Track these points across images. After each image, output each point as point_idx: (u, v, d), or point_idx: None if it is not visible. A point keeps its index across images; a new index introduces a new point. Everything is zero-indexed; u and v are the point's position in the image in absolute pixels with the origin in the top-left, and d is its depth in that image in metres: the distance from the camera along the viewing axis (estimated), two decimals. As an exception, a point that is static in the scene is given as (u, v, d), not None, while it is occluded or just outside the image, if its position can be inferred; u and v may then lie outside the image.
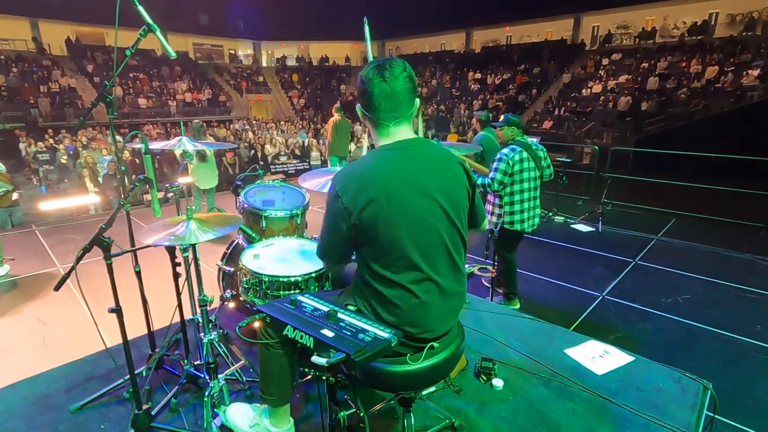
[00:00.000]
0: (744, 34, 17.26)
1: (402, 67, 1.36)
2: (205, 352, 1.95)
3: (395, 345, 1.22)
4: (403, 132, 1.42)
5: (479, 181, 3.30)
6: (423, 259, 1.36)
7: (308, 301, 1.41)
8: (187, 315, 2.34)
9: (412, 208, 1.33)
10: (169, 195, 2.25)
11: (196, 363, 2.18)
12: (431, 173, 1.38)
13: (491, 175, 3.28)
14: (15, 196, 5.81)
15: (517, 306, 3.70)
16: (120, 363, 1.97)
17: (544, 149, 3.47)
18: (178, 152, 5.31)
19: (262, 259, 2.19)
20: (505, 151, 3.29)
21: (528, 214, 3.38)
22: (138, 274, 2.21)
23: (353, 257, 1.52)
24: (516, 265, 3.66)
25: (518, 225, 3.37)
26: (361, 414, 1.61)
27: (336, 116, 7.57)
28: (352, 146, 13.41)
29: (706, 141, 10.99)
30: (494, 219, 3.46)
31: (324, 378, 1.28)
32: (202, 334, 2.01)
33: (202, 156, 5.40)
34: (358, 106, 1.44)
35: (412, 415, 1.66)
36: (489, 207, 3.54)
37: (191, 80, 23.58)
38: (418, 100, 1.44)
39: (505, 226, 3.39)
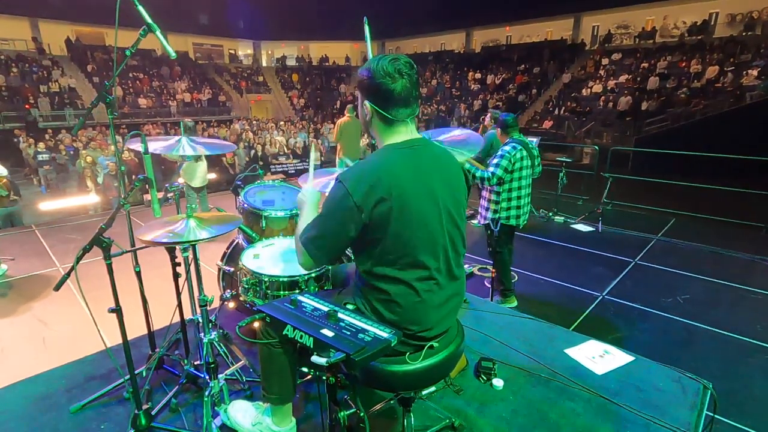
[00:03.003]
0: (744, 34, 17.28)
1: (411, 62, 1.35)
2: (205, 352, 1.95)
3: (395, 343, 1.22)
4: (411, 131, 1.42)
5: (478, 174, 3.33)
6: (428, 257, 1.36)
7: (308, 301, 1.41)
8: (187, 315, 2.34)
9: (420, 207, 1.33)
10: (169, 195, 2.24)
11: (196, 363, 2.18)
12: (437, 173, 1.39)
13: (491, 170, 3.34)
14: (14, 197, 5.82)
15: (515, 303, 3.73)
16: (120, 363, 1.97)
17: (537, 149, 3.59)
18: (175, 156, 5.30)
19: (262, 259, 2.19)
20: (507, 148, 3.37)
21: (523, 210, 3.50)
22: (138, 274, 2.20)
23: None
24: (509, 259, 3.72)
25: (513, 220, 3.49)
26: (361, 414, 1.61)
27: (345, 117, 7.30)
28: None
29: (706, 141, 11.00)
30: (490, 215, 3.49)
31: (324, 378, 1.28)
32: (202, 334, 2.01)
33: (197, 155, 5.42)
34: (367, 103, 1.39)
35: (412, 415, 1.66)
36: (484, 203, 3.57)
37: (191, 80, 23.58)
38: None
39: (503, 221, 3.48)
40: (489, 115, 5.00)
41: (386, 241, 1.33)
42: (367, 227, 1.32)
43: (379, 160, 1.36)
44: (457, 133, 2.56)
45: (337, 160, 7.59)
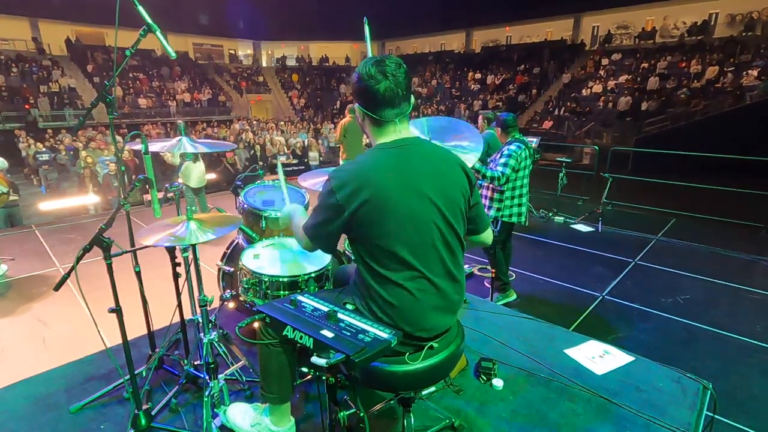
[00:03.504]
0: (744, 34, 17.27)
1: (398, 62, 1.37)
2: (205, 352, 1.95)
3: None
4: (403, 130, 1.43)
5: (489, 174, 3.30)
6: (415, 257, 1.36)
7: (308, 301, 1.41)
8: (187, 315, 2.34)
9: (405, 207, 1.34)
10: (169, 195, 2.25)
11: (196, 363, 2.18)
12: (427, 172, 1.39)
13: (500, 169, 3.32)
14: (13, 196, 5.82)
15: (514, 296, 3.76)
16: (120, 363, 1.97)
17: (533, 148, 3.64)
18: (169, 156, 5.35)
19: (262, 259, 2.19)
20: (513, 147, 3.37)
21: (524, 208, 3.53)
22: (138, 274, 2.20)
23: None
24: (509, 257, 3.74)
25: (516, 218, 3.51)
26: (361, 414, 1.61)
27: (348, 117, 7.34)
28: None
29: (706, 141, 11.00)
30: (493, 213, 3.50)
31: (324, 378, 1.28)
32: (202, 334, 2.01)
33: (195, 156, 5.47)
34: (357, 106, 1.42)
35: (412, 415, 1.66)
36: (485, 201, 3.56)
37: (191, 80, 23.56)
38: (412, 98, 1.45)
39: (504, 219, 3.50)
40: (480, 117, 4.97)
41: (372, 240, 1.35)
42: (351, 224, 1.35)
43: (364, 161, 1.38)
44: (459, 136, 2.56)
45: (340, 161, 7.56)
